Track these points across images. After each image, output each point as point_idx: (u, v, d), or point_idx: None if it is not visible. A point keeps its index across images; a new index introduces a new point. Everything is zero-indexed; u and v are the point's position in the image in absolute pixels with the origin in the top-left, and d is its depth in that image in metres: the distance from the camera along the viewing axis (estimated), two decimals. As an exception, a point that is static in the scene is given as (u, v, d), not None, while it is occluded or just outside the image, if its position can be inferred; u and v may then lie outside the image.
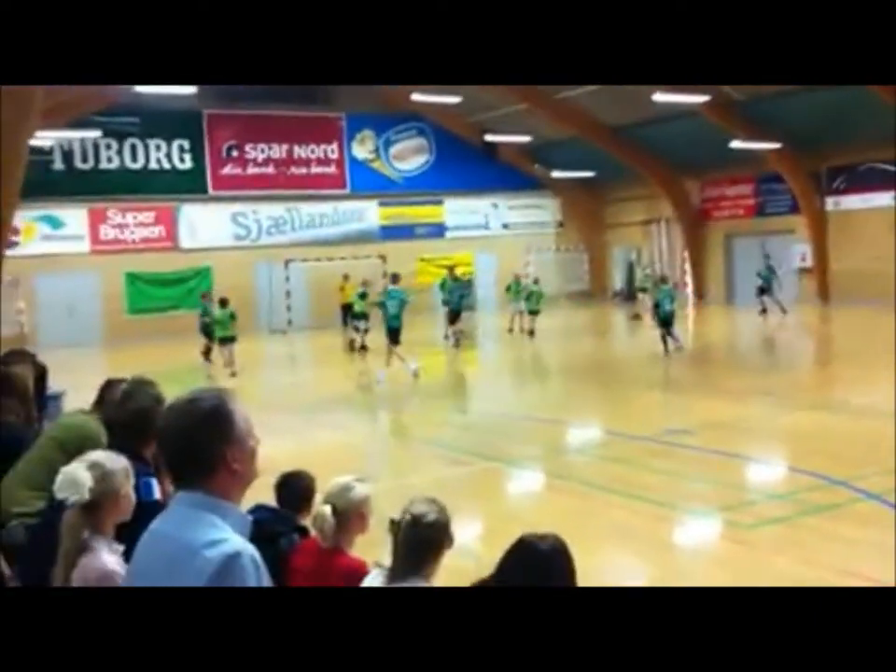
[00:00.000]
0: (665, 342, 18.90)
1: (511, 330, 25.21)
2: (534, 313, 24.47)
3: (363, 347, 22.53)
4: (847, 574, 5.93)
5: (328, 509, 3.84)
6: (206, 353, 19.74)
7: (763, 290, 26.99)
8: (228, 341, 18.74)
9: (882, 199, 27.39)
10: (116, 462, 3.14)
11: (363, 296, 23.25)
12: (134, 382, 4.04)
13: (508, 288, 26.76)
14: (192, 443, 2.18)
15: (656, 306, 19.76)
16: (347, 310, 25.31)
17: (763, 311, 26.52)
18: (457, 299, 23.52)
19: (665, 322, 19.01)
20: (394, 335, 17.50)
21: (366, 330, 22.61)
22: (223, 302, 19.48)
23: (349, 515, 3.85)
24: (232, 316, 18.91)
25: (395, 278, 18.68)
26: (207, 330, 19.78)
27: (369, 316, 22.62)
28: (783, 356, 19.04)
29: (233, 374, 18.10)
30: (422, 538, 3.27)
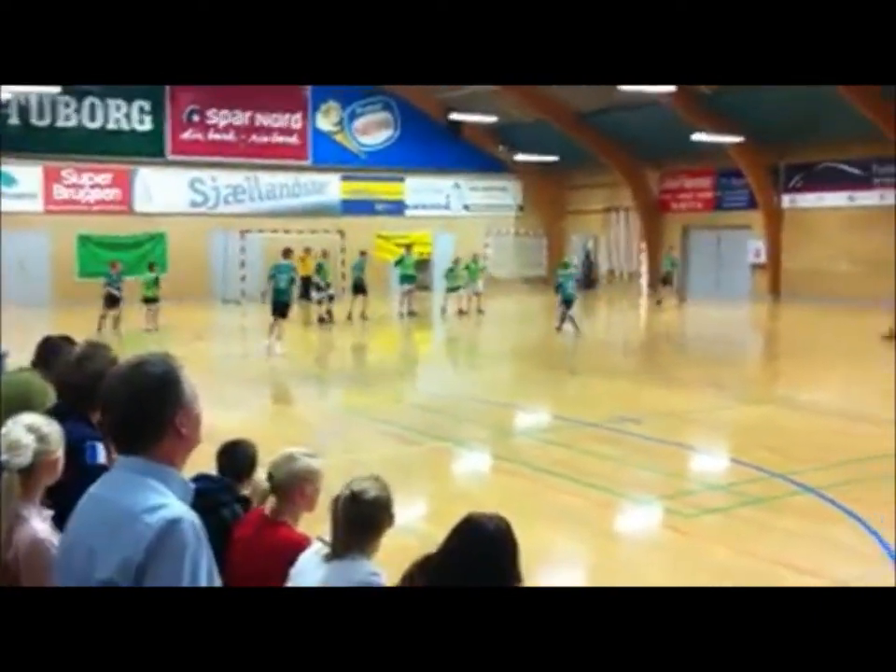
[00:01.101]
0: (562, 320, 20.13)
1: (454, 311, 25.44)
2: (452, 290, 25.71)
3: (323, 319, 23.21)
4: (781, 565, 6.07)
5: (263, 476, 3.82)
6: (103, 319, 20.67)
7: (664, 280, 28.30)
8: (152, 301, 21.32)
9: (837, 199, 27.85)
10: (52, 426, 3.08)
11: (320, 268, 23.91)
12: (91, 344, 3.97)
13: (466, 267, 26.91)
14: (142, 408, 2.14)
15: (558, 287, 20.92)
16: (306, 283, 25.67)
17: (659, 302, 28.08)
18: (358, 273, 24.49)
19: (566, 302, 20.29)
20: (281, 309, 17.80)
21: (326, 299, 23.49)
22: (150, 267, 22.51)
23: (290, 488, 3.78)
24: (156, 281, 21.65)
25: (286, 253, 19.00)
26: (112, 298, 20.99)
27: (329, 286, 23.85)
28: (732, 349, 19.32)
29: (149, 330, 20.48)
30: (362, 514, 3.26)
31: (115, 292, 20.92)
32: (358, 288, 23.99)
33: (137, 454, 2.15)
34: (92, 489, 2.22)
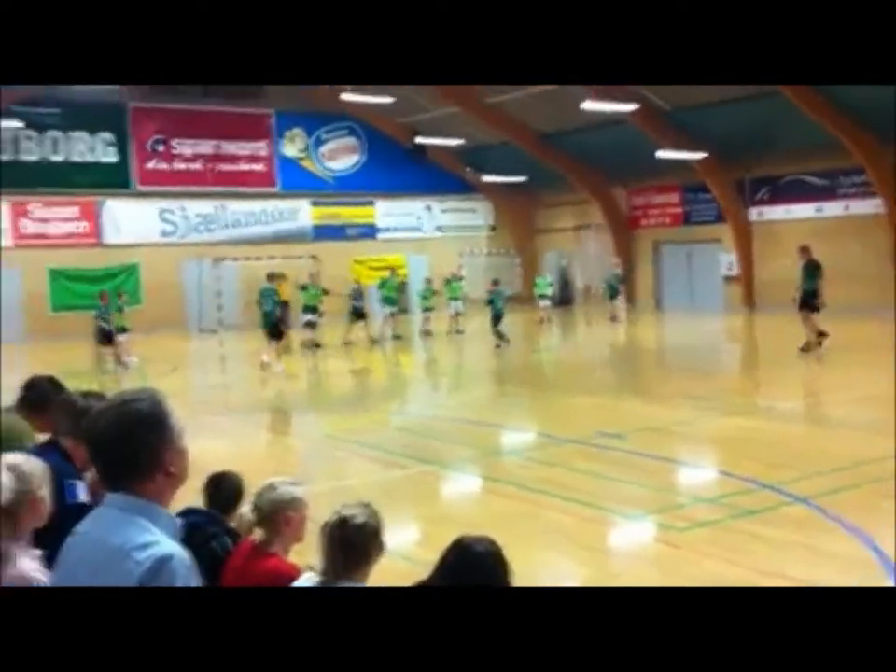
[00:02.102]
0: (497, 336, 21.48)
1: (430, 332, 25.52)
2: (427, 310, 26.47)
3: (306, 344, 23.16)
4: (774, 576, 6.01)
5: (246, 507, 3.80)
6: (104, 355, 20.40)
7: (612, 296, 28.54)
8: (121, 331, 20.89)
9: (804, 210, 28.11)
10: (33, 464, 3.01)
11: (304, 288, 23.97)
12: (90, 392, 4.20)
13: (447, 282, 27.05)
14: (131, 446, 2.10)
15: (488, 303, 22.15)
16: (283, 308, 25.65)
17: (614, 318, 27.92)
18: (355, 302, 24.91)
19: (495, 319, 21.70)
20: (269, 330, 18.74)
21: (310, 326, 23.27)
22: (119, 295, 22.32)
23: (274, 517, 3.75)
24: (120, 308, 21.23)
25: (270, 277, 20.06)
26: (106, 332, 20.57)
27: (316, 310, 23.63)
28: (711, 361, 19.40)
29: (121, 363, 19.97)
30: (350, 540, 3.22)
31: (106, 326, 20.46)
32: (358, 314, 24.56)
33: (125, 491, 2.11)
34: (80, 528, 2.18)
